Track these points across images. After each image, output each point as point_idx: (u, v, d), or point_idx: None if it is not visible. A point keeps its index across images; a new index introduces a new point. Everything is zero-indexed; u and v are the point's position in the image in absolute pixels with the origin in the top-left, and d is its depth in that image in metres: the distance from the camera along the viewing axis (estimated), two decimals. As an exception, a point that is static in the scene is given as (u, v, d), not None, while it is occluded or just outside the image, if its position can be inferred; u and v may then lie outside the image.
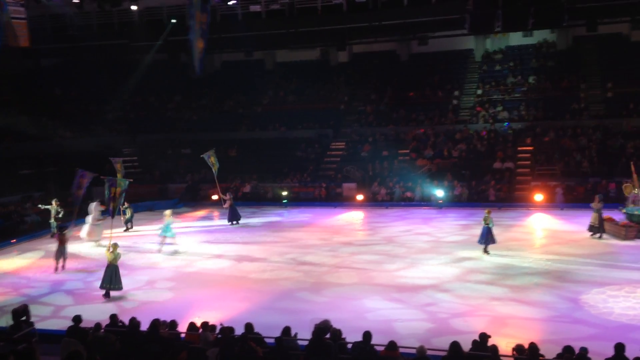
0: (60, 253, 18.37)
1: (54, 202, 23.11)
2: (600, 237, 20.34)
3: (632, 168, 22.65)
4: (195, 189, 32.23)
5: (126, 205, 23.64)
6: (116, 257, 15.70)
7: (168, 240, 20.52)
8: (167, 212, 20.92)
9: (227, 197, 25.10)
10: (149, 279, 17.18)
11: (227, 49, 35.14)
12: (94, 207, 21.94)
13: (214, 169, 25.84)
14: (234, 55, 39.89)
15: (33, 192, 28.84)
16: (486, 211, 18.82)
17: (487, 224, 18.45)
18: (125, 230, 24.11)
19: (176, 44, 31.47)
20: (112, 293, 15.61)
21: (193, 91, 39.45)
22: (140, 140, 36.76)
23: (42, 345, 10.46)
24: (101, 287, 15.68)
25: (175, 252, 20.20)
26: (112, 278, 15.53)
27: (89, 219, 21.94)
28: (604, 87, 32.66)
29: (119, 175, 22.37)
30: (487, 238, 18.47)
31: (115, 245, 15.90)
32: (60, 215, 22.96)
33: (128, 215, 24.37)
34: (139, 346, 10.13)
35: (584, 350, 9.06)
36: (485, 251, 18.54)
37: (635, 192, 21.62)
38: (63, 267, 18.47)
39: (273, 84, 39.23)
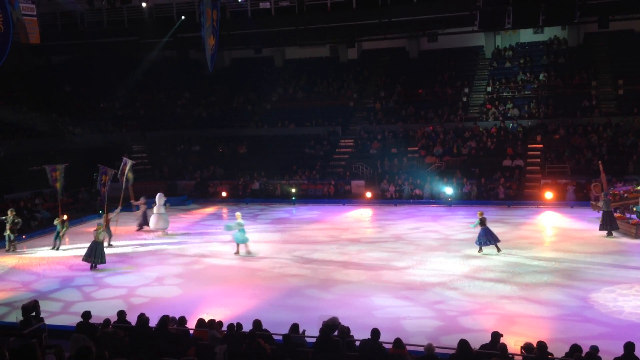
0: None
1: (9, 212, 20.76)
2: (608, 235, 20.26)
3: (600, 167, 22.49)
4: (205, 185, 32.31)
5: (64, 217, 21.11)
6: (99, 234, 18.11)
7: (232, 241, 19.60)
8: (238, 213, 20.01)
9: (141, 201, 24.12)
10: (157, 276, 17.24)
11: (237, 46, 35.24)
12: (158, 197, 23.01)
13: (128, 176, 24.27)
14: (243, 52, 39.98)
15: (43, 188, 28.97)
16: (479, 213, 18.88)
17: (484, 225, 18.41)
18: (53, 248, 20.76)
19: (185, 41, 31.60)
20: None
21: (202, 88, 39.55)
22: (150, 136, 36.90)
23: (52, 341, 10.53)
24: (83, 259, 18.06)
25: (248, 254, 19.36)
26: (92, 252, 17.89)
27: (155, 209, 22.98)
28: (615, 85, 32.41)
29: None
30: (488, 238, 18.40)
31: (99, 225, 18.40)
32: (18, 227, 20.83)
33: (63, 230, 20.86)
34: (147, 342, 10.17)
35: (594, 349, 9.00)
36: (497, 249, 18.45)
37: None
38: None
39: (282, 81, 39.26)
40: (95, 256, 17.84)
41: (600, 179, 22.42)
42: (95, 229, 18.30)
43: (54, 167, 21.36)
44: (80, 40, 32.79)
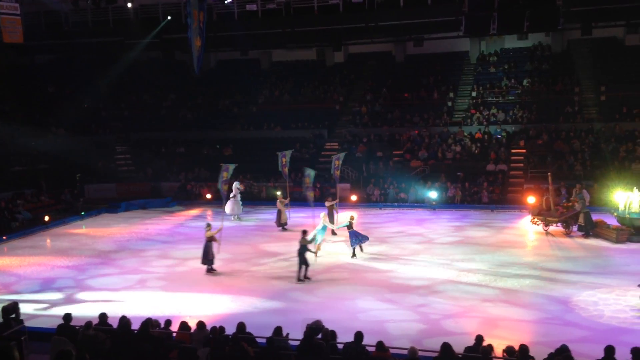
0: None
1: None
2: (585, 236, 20.69)
3: (549, 179, 22.50)
4: (183, 186, 32.10)
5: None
6: (283, 205, 23.04)
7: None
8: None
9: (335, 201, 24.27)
10: (140, 278, 17.13)
11: (223, 48, 35.14)
12: (234, 186, 24.90)
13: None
14: (229, 54, 39.93)
15: (25, 189, 28.67)
16: (350, 217, 19.48)
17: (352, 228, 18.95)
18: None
19: (171, 42, 31.45)
20: None
21: (188, 90, 39.35)
22: (135, 138, 36.65)
23: (32, 343, 10.41)
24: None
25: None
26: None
27: (232, 196, 24.70)
28: (597, 91, 32.75)
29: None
30: (360, 238, 18.87)
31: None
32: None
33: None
34: (129, 345, 10.09)
35: (564, 348, 9.13)
36: (355, 252, 18.88)
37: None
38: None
39: (268, 84, 39.20)
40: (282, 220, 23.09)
41: (549, 191, 22.45)
42: (279, 199, 23.46)
43: (227, 166, 20.09)
44: (65, 40, 32.53)
